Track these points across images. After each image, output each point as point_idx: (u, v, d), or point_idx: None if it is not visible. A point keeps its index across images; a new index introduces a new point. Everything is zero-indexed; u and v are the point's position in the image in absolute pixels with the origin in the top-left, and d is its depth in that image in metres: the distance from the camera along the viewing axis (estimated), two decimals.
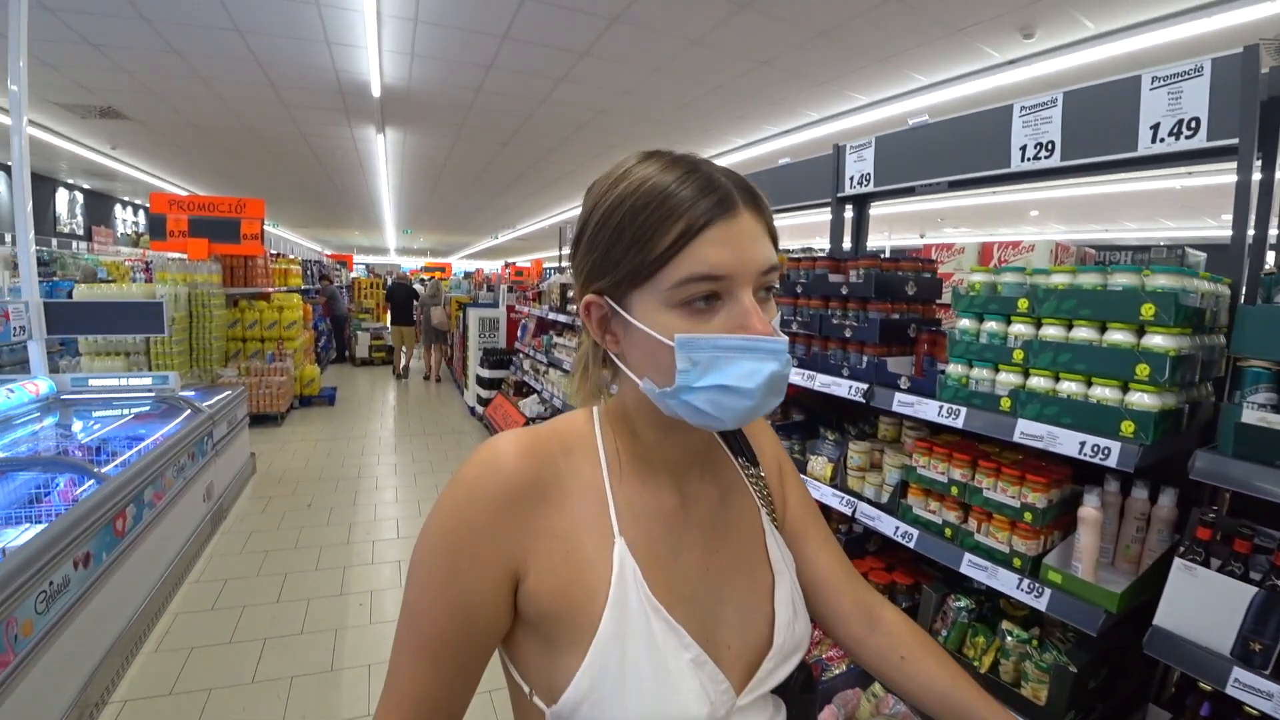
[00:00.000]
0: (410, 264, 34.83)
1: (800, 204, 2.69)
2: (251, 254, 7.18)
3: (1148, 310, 1.22)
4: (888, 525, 1.73)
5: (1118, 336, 1.27)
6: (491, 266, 21.55)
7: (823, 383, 1.91)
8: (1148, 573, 1.36)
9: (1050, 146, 1.80)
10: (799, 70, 5.07)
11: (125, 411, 4.00)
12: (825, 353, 1.96)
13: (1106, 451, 1.24)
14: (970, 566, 1.52)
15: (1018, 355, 1.41)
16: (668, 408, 0.63)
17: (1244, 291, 1.38)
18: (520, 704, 0.67)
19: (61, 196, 11.72)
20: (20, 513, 2.63)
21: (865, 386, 1.76)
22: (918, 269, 1.87)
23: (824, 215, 2.60)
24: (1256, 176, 1.37)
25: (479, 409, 7.25)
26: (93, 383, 4.05)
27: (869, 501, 1.81)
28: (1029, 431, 1.36)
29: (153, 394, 4.14)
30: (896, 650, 0.82)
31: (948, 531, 1.60)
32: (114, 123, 7.60)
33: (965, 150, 2.02)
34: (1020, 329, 1.43)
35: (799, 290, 2.06)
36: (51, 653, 2.13)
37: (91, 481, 2.82)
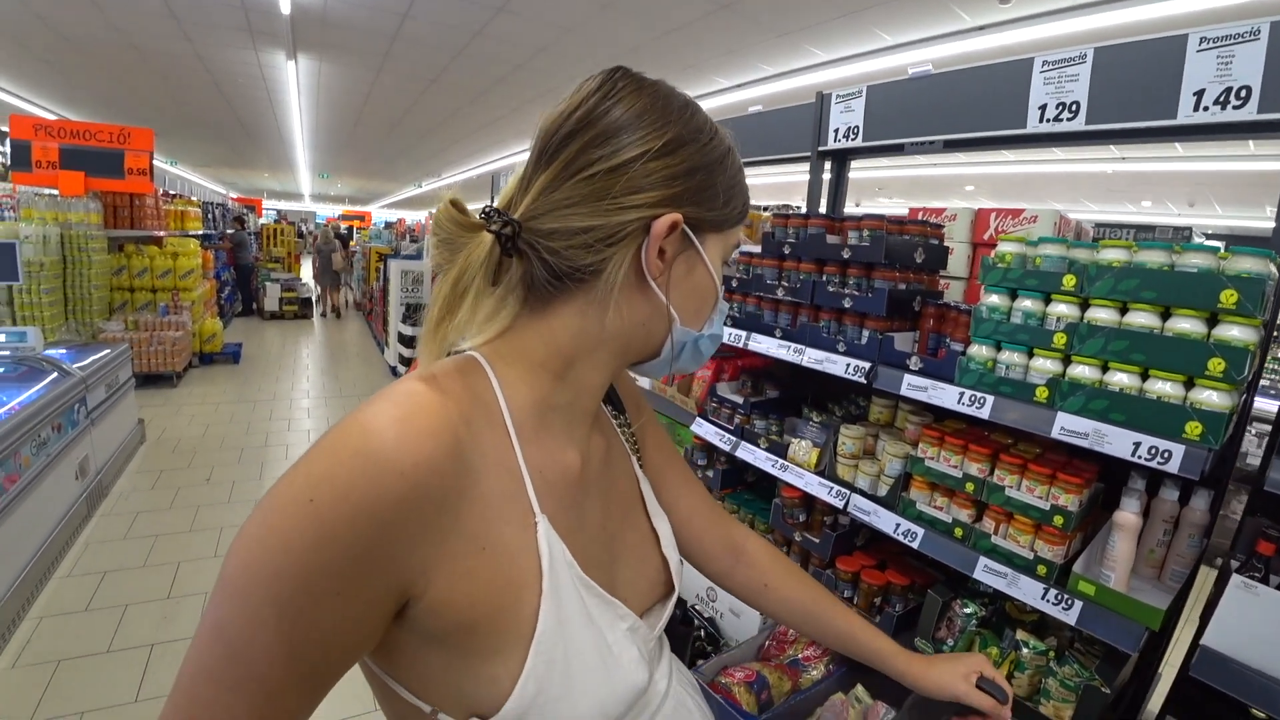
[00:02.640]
0: (327, 211, 32.61)
1: (773, 156, 2.43)
2: (139, 191, 6.26)
3: (1229, 298, 1.04)
4: (887, 522, 1.55)
5: (1185, 325, 1.09)
6: (415, 217, 20.30)
7: (813, 358, 1.69)
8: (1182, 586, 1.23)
9: (1074, 108, 1.60)
10: (758, 18, 4.75)
11: None
12: (816, 324, 1.74)
13: (1167, 455, 1.07)
14: (986, 573, 1.35)
15: (1059, 339, 1.22)
16: (672, 347, 0.62)
17: None
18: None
19: None
20: None
21: (867, 365, 1.54)
22: (925, 233, 1.65)
23: (779, 176, 2.35)
24: None
25: (401, 368, 6.76)
26: None
27: (863, 493, 1.62)
28: (1071, 427, 1.18)
29: (7, 354, 3.48)
30: (760, 579, 0.92)
31: (958, 531, 1.43)
32: None
33: (973, 106, 1.80)
34: (1063, 309, 1.23)
35: (786, 251, 1.81)
36: None
37: None
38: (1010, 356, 1.29)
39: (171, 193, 9.65)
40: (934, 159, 9.97)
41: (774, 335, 1.84)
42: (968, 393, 1.33)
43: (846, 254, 1.61)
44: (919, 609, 1.56)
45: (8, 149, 12.10)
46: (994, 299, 1.33)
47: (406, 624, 0.50)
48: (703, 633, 1.65)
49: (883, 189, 13.72)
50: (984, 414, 1.30)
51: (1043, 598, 1.25)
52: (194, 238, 7.60)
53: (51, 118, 9.19)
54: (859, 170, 11.43)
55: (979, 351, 1.34)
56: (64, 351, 3.90)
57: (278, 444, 4.79)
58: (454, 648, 0.51)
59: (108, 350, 4.15)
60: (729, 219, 0.62)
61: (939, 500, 1.48)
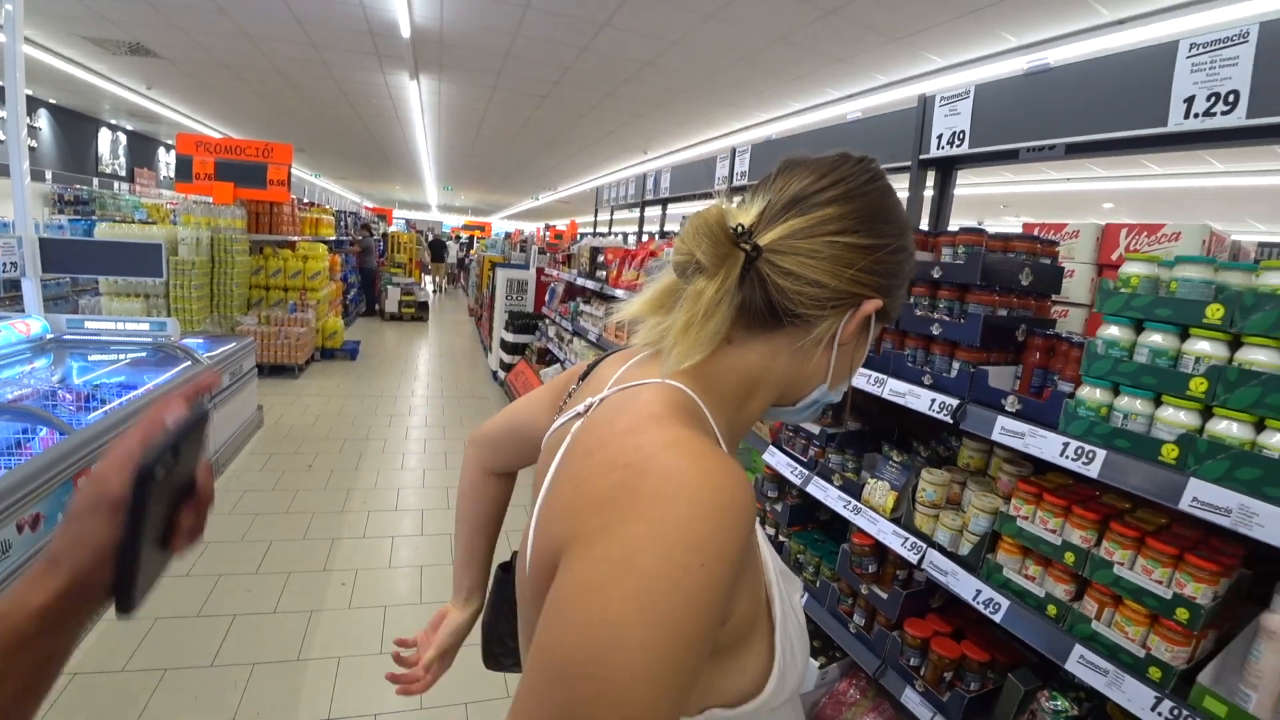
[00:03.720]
0: (452, 221, 34.84)
1: None
2: (277, 200, 6.93)
3: None
4: (966, 587, 1.32)
5: None
6: (531, 228, 21.27)
7: (893, 390, 1.49)
8: None
9: (1232, 99, 1.32)
10: (870, 22, 4.48)
11: (119, 357, 3.79)
12: (901, 352, 1.53)
13: None
14: (1081, 664, 1.11)
15: (1197, 385, 0.97)
16: (810, 402, 0.68)
17: None
18: None
19: (104, 136, 11.70)
20: None
21: (955, 403, 1.33)
22: (1034, 251, 1.41)
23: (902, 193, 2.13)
24: None
25: (501, 374, 6.97)
26: (89, 325, 3.84)
27: (942, 550, 1.40)
28: (1208, 499, 0.93)
29: (149, 341, 3.91)
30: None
31: (1051, 609, 1.19)
32: (146, 61, 7.40)
33: (1101, 103, 1.54)
34: (1204, 347, 0.98)
35: None
36: None
37: (53, 434, 2.58)
38: (1131, 403, 1.05)
39: (307, 201, 10.63)
40: (1066, 171, 9.00)
41: None
42: (1074, 443, 1.10)
43: (937, 273, 1.41)
44: (997, 692, 1.31)
45: (174, 162, 13.92)
46: (1114, 331, 1.09)
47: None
48: None
49: (1008, 206, 12.63)
50: (1092, 471, 1.06)
51: (1154, 709, 1.00)
52: (324, 242, 8.30)
53: (217, 135, 10.47)
54: (980, 185, 10.59)
55: (1091, 394, 1.11)
56: (199, 341, 4.34)
57: (377, 438, 5.06)
58: (716, 656, 0.55)
59: (235, 342, 4.57)
60: (894, 315, 0.69)
61: (1031, 569, 1.24)
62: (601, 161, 11.90)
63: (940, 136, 1.93)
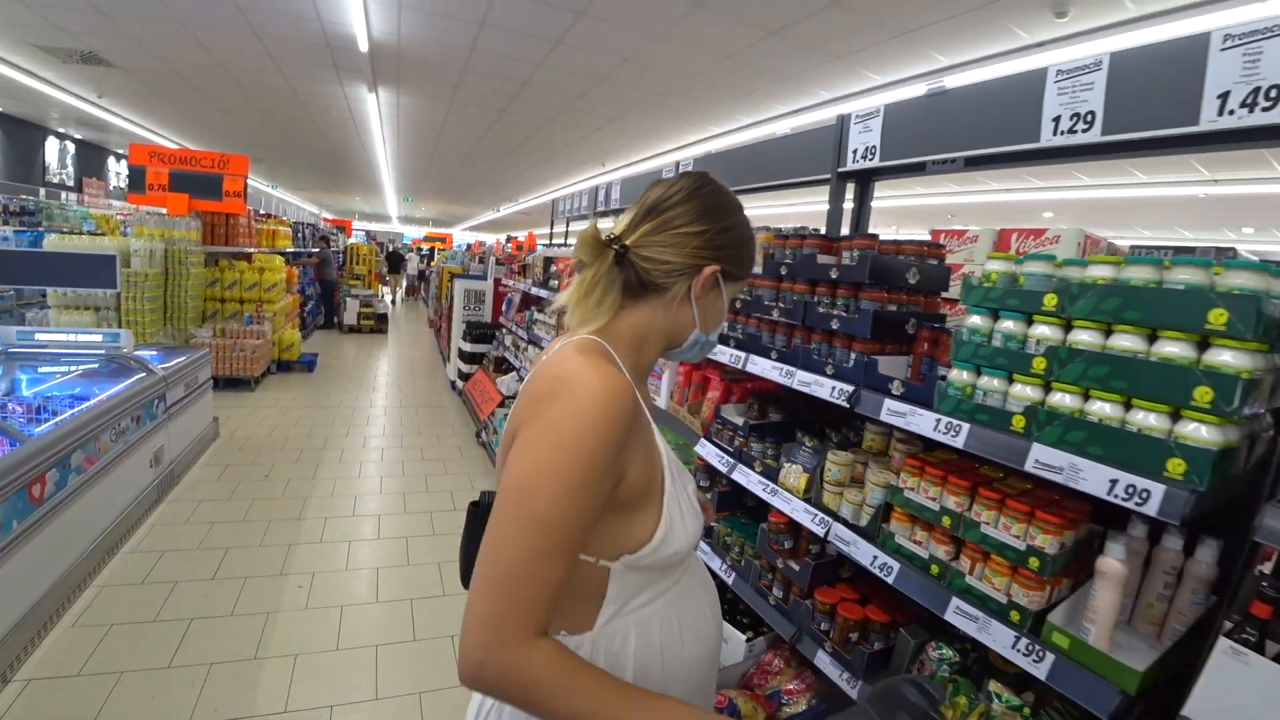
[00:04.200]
0: (413, 233, 34.45)
1: (794, 179, 2.41)
2: (233, 212, 6.86)
3: (1218, 317, 0.95)
4: (864, 553, 1.48)
5: (1172, 349, 1.00)
6: (492, 239, 21.23)
7: (802, 380, 1.65)
8: (1175, 646, 1.11)
9: (1089, 118, 1.52)
10: (811, 43, 4.73)
11: (71, 369, 3.75)
12: (808, 346, 1.70)
13: (1145, 495, 0.98)
14: (957, 614, 1.27)
15: (1038, 364, 1.15)
16: (692, 343, 0.97)
17: None
18: (579, 578, 0.84)
19: (52, 145, 11.38)
20: None
21: (851, 389, 1.49)
22: (922, 253, 1.59)
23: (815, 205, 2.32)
24: None
25: (459, 383, 7.00)
26: (40, 337, 3.80)
27: (845, 523, 1.56)
28: (1046, 460, 1.10)
29: (102, 353, 3.88)
30: None
31: (934, 569, 1.35)
32: (98, 70, 7.27)
33: (988, 122, 1.74)
34: (1044, 331, 1.16)
35: (783, 272, 1.79)
36: None
37: (3, 442, 2.58)
38: (989, 382, 1.22)
39: (264, 213, 10.49)
40: (1006, 182, 9.50)
41: (770, 357, 1.81)
42: (944, 419, 1.26)
43: (835, 274, 1.57)
44: (894, 648, 1.47)
45: (124, 171, 13.58)
46: (975, 319, 1.26)
47: (608, 500, 0.81)
48: None
49: (955, 216, 13.18)
50: (958, 442, 1.23)
51: (1013, 646, 1.16)
52: (281, 254, 8.23)
53: (171, 145, 10.27)
54: (928, 196, 11.05)
55: (959, 376, 1.28)
56: (152, 353, 4.30)
57: (334, 447, 5.06)
58: (623, 510, 0.83)
59: (189, 354, 4.54)
60: (742, 275, 0.98)
61: (918, 534, 1.40)
62: (561, 173, 12.03)
63: (855, 151, 2.12)
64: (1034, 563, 1.17)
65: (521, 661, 0.70)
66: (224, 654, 2.47)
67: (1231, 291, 0.96)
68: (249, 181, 6.85)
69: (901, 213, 12.86)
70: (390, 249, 20.09)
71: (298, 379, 7.36)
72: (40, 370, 3.71)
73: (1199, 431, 0.96)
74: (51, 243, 5.86)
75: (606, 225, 0.94)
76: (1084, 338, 1.11)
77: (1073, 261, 1.20)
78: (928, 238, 2.04)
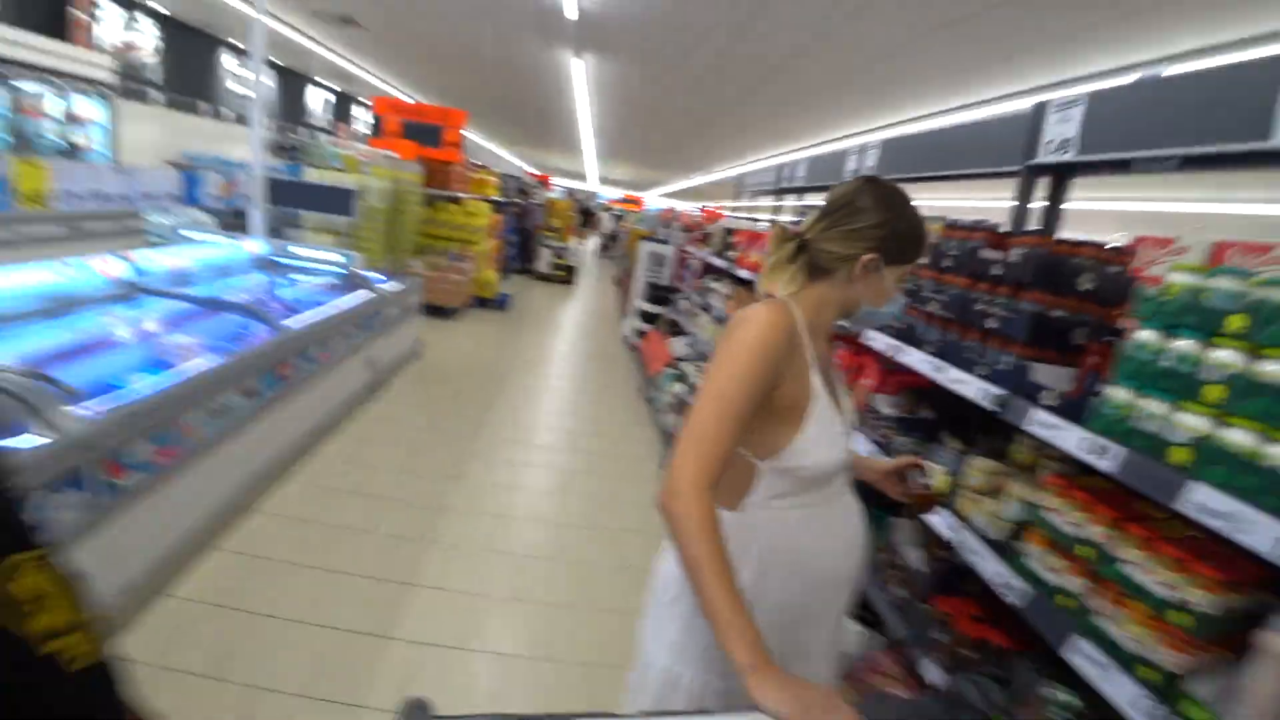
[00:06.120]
0: (608, 194, 36.07)
1: (977, 170, 2.19)
2: (450, 160, 7.75)
3: None
4: (989, 568, 1.39)
5: None
6: (686, 207, 21.63)
7: (952, 378, 1.56)
8: None
9: None
10: (1043, 21, 4.14)
11: (314, 279, 4.59)
12: (963, 343, 1.59)
13: None
14: (1080, 656, 1.16)
15: (1212, 392, 0.99)
16: (865, 312, 1.21)
17: None
18: (736, 468, 1.11)
19: (312, 93, 13.58)
20: (217, 344, 3.10)
21: (1001, 393, 1.39)
22: (1100, 258, 1.40)
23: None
24: None
25: (633, 339, 7.36)
26: (294, 249, 4.68)
27: (977, 532, 1.47)
28: (1204, 502, 0.96)
29: (340, 270, 4.68)
30: None
31: (1061, 599, 1.24)
32: (352, 32, 8.53)
33: (1209, 115, 1.44)
34: (1226, 356, 0.99)
35: (945, 264, 1.68)
36: (212, 459, 2.59)
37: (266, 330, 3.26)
38: (1153, 405, 1.08)
39: (477, 163, 11.66)
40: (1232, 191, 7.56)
41: (922, 349, 1.73)
42: (1090, 438, 1.14)
43: (997, 270, 1.45)
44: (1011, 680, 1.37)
45: (366, 118, 15.62)
46: (1146, 334, 1.11)
47: (765, 402, 1.06)
48: None
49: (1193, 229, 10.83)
50: (1105, 465, 1.11)
51: (1132, 704, 1.04)
52: (488, 201, 9.14)
53: (406, 99, 11.73)
54: (1142, 202, 9.21)
55: (1119, 394, 1.14)
56: (377, 275, 5.10)
57: (512, 376, 5.68)
58: (773, 414, 1.08)
59: (405, 280, 5.31)
60: (902, 261, 1.17)
61: (1053, 562, 1.29)
62: (747, 149, 11.86)
63: (1050, 143, 1.88)
64: (1180, 619, 1.04)
65: (686, 502, 0.95)
66: (410, 531, 3.00)
67: None
68: (465, 134, 7.67)
69: (1123, 218, 10.82)
70: (582, 206, 21.38)
71: (491, 315, 8.23)
72: (293, 276, 4.58)
73: None
74: (308, 175, 7.11)
75: (788, 216, 1.07)
76: (1273, 369, 0.94)
77: (1277, 282, 1.00)
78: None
